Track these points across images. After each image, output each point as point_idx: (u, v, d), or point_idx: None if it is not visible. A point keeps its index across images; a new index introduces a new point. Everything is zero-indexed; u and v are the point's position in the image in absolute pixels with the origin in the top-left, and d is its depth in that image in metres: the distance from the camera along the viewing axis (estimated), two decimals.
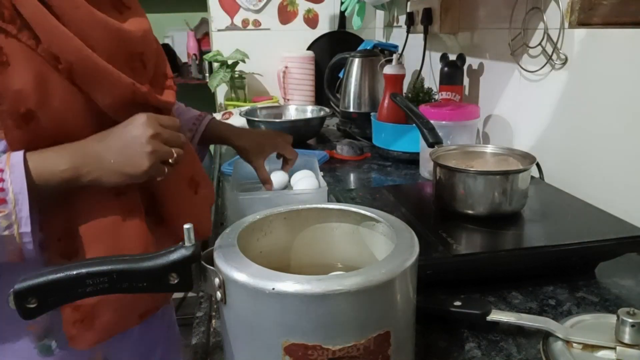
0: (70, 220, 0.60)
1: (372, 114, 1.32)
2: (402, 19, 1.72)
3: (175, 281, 0.43)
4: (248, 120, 1.40)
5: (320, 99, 1.96)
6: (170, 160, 0.61)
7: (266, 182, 0.92)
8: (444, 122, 1.02)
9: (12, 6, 0.51)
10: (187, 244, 0.43)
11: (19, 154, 0.53)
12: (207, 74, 2.48)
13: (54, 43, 0.53)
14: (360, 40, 1.96)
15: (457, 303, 0.56)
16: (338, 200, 0.79)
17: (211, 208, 0.87)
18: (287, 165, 0.96)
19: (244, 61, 1.89)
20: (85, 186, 0.58)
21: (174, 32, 2.84)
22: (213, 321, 0.60)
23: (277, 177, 0.96)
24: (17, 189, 0.52)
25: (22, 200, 0.52)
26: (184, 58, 2.79)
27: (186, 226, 0.43)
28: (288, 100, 1.94)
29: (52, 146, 0.56)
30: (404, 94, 1.37)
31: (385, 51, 1.64)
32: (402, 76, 1.27)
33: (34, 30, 0.52)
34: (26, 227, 0.53)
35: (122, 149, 0.58)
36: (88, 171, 0.57)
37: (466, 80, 1.30)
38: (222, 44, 1.99)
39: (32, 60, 0.53)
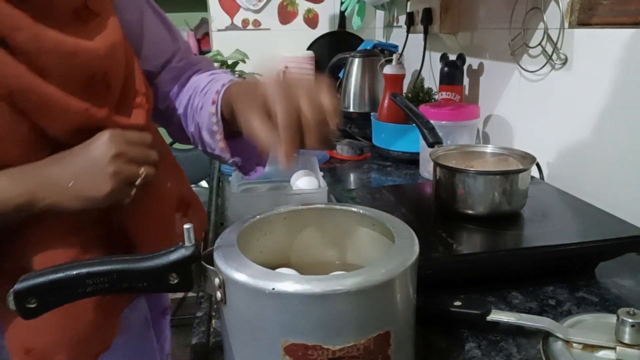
0: (24, 260, 0.54)
1: (372, 114, 1.32)
2: (402, 19, 1.72)
3: (175, 281, 0.43)
4: None
5: None
6: (137, 182, 0.55)
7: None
8: (444, 122, 1.02)
9: None
10: (187, 244, 0.43)
11: None
12: None
13: None
14: (360, 40, 1.96)
15: (457, 303, 0.56)
16: (338, 200, 0.79)
17: (203, 234, 0.78)
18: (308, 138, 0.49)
19: (244, 61, 1.89)
20: (42, 220, 0.53)
21: None
22: (213, 321, 0.60)
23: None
24: None
25: None
26: None
27: (186, 226, 0.43)
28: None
29: None
30: (404, 94, 1.37)
31: (385, 51, 1.64)
32: (402, 76, 1.27)
33: None
34: None
35: (81, 171, 0.52)
36: (44, 196, 0.51)
37: (466, 80, 1.30)
38: (222, 44, 1.99)
39: None
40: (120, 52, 0.58)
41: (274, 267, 0.41)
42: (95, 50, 0.54)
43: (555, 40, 0.94)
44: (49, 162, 0.53)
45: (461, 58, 1.24)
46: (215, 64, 1.92)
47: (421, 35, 1.48)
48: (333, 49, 1.94)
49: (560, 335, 0.49)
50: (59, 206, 0.52)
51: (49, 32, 0.50)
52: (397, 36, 1.86)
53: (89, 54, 0.53)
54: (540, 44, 0.98)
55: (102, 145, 0.53)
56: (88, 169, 0.52)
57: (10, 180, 0.51)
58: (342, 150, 1.27)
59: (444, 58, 1.28)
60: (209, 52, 1.98)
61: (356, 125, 1.44)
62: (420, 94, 1.39)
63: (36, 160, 0.53)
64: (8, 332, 0.56)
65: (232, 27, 2.02)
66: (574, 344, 0.48)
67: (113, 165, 0.53)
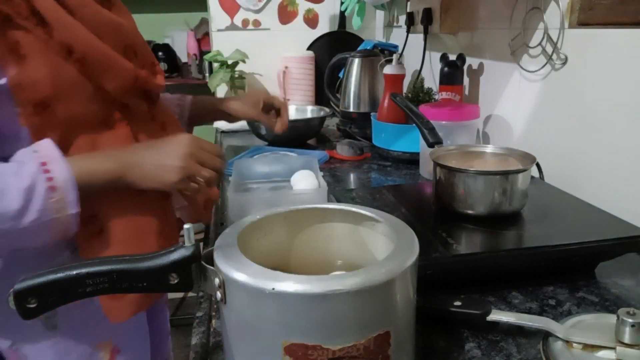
0: (95, 201, 0.65)
1: (372, 114, 1.33)
2: (402, 19, 1.72)
3: (175, 281, 0.43)
4: (248, 121, 1.40)
5: (320, 99, 1.96)
6: (201, 180, 0.68)
7: (274, 125, 1.00)
8: (444, 122, 1.02)
9: (27, 4, 0.58)
10: (187, 244, 0.43)
11: (53, 149, 0.60)
12: (207, 74, 2.48)
13: (68, 35, 0.61)
14: (360, 40, 1.96)
15: (457, 303, 0.56)
16: (338, 200, 0.79)
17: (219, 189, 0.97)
18: (283, 114, 1.00)
19: (244, 61, 1.89)
20: None
21: (174, 32, 2.84)
22: (213, 321, 0.60)
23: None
24: (64, 177, 0.59)
25: (69, 187, 0.59)
26: (184, 58, 2.79)
27: (186, 226, 0.43)
28: (288, 100, 1.94)
29: (65, 131, 0.63)
30: (404, 94, 1.37)
31: (385, 51, 1.64)
32: (402, 76, 1.27)
33: (49, 25, 0.59)
34: (74, 209, 0.60)
35: (158, 160, 0.65)
36: (127, 175, 0.64)
37: (466, 80, 1.30)
38: (222, 44, 1.99)
39: (46, 53, 0.60)
40: (137, 30, 0.74)
41: (274, 267, 0.41)
42: (127, 26, 0.70)
43: (555, 40, 0.94)
44: (136, 148, 0.67)
45: (461, 58, 1.24)
46: (215, 64, 1.93)
47: (421, 35, 1.48)
48: (333, 49, 1.94)
49: (560, 335, 0.49)
50: (137, 185, 0.65)
51: (102, 9, 0.66)
52: (397, 36, 1.86)
53: (125, 28, 0.69)
54: (540, 44, 0.98)
55: (180, 144, 0.66)
56: (164, 159, 0.66)
57: (102, 160, 0.64)
58: (342, 150, 1.27)
59: (444, 58, 1.28)
60: (209, 52, 1.98)
61: (356, 125, 1.44)
62: (420, 94, 1.39)
63: (101, 114, 0.66)
64: (83, 251, 0.67)
65: (232, 27, 2.01)
66: (574, 344, 0.48)
67: (183, 162, 0.65)
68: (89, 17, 0.63)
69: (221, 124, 1.64)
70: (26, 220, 0.57)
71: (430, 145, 0.83)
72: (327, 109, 1.49)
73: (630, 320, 0.45)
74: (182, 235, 0.45)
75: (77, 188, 0.59)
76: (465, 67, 1.26)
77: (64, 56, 0.61)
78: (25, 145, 0.60)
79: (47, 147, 0.60)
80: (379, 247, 0.52)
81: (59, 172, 0.59)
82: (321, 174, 0.96)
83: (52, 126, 0.61)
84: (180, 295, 2.34)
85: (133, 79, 0.68)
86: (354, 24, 1.85)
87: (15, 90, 0.58)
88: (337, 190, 0.92)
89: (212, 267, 0.43)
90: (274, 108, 1.02)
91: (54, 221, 0.59)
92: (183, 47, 2.75)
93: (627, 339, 0.46)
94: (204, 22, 2.70)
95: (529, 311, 0.59)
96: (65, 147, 0.63)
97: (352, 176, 1.15)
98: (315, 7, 2.05)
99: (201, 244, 0.44)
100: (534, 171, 0.85)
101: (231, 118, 0.99)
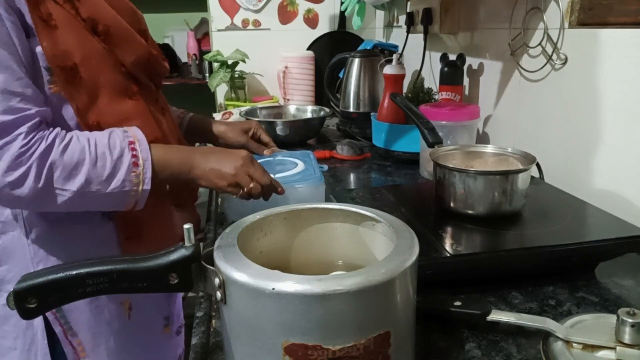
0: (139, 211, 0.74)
1: (372, 114, 1.32)
2: (402, 19, 1.72)
3: (175, 281, 0.43)
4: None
5: (320, 99, 1.96)
6: (245, 189, 0.76)
7: (262, 151, 1.06)
8: (444, 122, 1.02)
9: None
10: (187, 244, 0.43)
11: (139, 132, 0.71)
12: (207, 74, 2.48)
13: (95, 11, 0.70)
14: (360, 40, 1.96)
15: (457, 303, 0.56)
16: (338, 200, 0.79)
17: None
18: (270, 146, 1.09)
19: (244, 61, 1.89)
20: None
21: (174, 32, 2.84)
22: (213, 321, 0.60)
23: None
24: (145, 156, 0.70)
25: (147, 165, 0.70)
26: (184, 58, 2.79)
27: (186, 226, 0.43)
28: (288, 100, 1.94)
29: (90, 96, 0.70)
30: (404, 94, 1.37)
31: (385, 51, 1.64)
32: (402, 76, 1.27)
33: (78, 1, 0.69)
34: (148, 186, 0.70)
35: (217, 165, 0.75)
36: (191, 172, 0.75)
37: (466, 80, 1.30)
38: (222, 44, 1.99)
39: (74, 25, 0.68)
40: (146, 22, 0.84)
41: (274, 267, 0.41)
42: (140, 13, 0.82)
43: (555, 40, 0.94)
44: (203, 151, 0.78)
45: (461, 58, 1.24)
46: (215, 64, 1.93)
47: (421, 35, 1.49)
48: (333, 49, 1.94)
49: (560, 335, 0.49)
50: (196, 182, 0.76)
51: None
52: (397, 36, 1.86)
53: (139, 14, 0.81)
54: (540, 44, 0.98)
55: (237, 157, 0.76)
56: (221, 165, 0.75)
57: (177, 154, 0.75)
58: (342, 150, 1.27)
59: (444, 58, 1.28)
60: (209, 52, 1.98)
61: (356, 125, 1.44)
62: (420, 94, 1.39)
63: (122, 84, 0.75)
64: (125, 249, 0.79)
65: (232, 27, 2.02)
66: (574, 344, 0.48)
67: (236, 171, 0.75)
68: (114, 2, 0.74)
69: None
70: (110, 187, 0.67)
71: (430, 145, 0.83)
72: (327, 109, 1.49)
73: (630, 320, 0.45)
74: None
75: (153, 168, 0.70)
76: (465, 67, 1.26)
77: (90, 29, 0.70)
78: (53, 110, 0.68)
79: (135, 130, 0.71)
80: (379, 247, 0.52)
81: (142, 152, 0.70)
82: (324, 167, 0.96)
83: (79, 90, 0.69)
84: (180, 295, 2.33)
85: (147, 55, 0.77)
86: (354, 24, 1.85)
87: (48, 58, 0.66)
88: (337, 190, 0.92)
89: (212, 267, 0.43)
90: (260, 140, 1.09)
91: (130, 192, 0.69)
92: (183, 47, 2.75)
93: (627, 339, 0.46)
94: (204, 22, 2.70)
95: (529, 311, 0.59)
96: (88, 110, 0.70)
97: (352, 176, 1.15)
98: (315, 7, 2.05)
99: (201, 244, 0.44)
100: (534, 171, 0.85)
101: (219, 142, 1.06)
